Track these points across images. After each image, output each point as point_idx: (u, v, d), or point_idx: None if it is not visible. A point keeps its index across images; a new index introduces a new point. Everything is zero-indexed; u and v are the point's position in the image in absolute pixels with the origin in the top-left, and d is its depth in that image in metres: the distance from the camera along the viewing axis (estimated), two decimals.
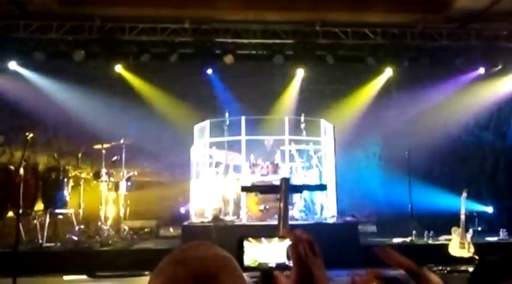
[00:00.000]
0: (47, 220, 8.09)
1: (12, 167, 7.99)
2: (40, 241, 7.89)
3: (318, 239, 3.25)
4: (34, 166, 8.55)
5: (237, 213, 8.53)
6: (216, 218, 8.29)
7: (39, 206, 8.17)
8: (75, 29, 9.88)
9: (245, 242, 2.99)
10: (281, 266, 3.13)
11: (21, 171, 7.52)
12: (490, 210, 9.61)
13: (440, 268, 6.99)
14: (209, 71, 10.44)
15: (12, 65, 9.95)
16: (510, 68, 10.75)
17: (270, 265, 3.09)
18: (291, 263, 3.06)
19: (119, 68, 10.29)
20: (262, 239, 3.05)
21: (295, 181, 8.44)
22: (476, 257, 7.10)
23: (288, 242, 3.09)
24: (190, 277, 1.19)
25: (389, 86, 10.74)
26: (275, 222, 7.32)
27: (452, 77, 10.61)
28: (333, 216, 8.57)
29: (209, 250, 1.29)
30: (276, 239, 3.12)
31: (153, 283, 1.23)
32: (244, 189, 7.85)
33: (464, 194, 7.61)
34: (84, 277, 7.10)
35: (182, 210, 9.26)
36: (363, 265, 7.29)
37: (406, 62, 10.46)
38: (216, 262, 1.24)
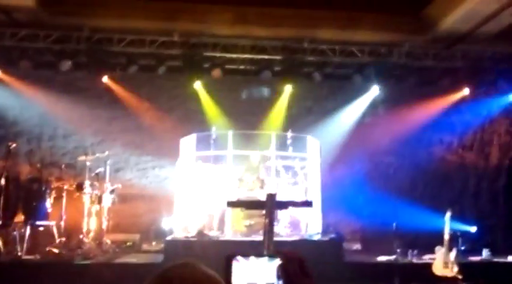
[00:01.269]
0: (28, 231, 7.94)
1: None
2: (19, 253, 7.73)
3: (304, 256, 3.22)
4: (16, 176, 8.41)
5: (221, 228, 8.47)
6: (200, 233, 8.21)
7: (20, 217, 8.02)
8: (62, 38, 9.80)
9: (233, 261, 2.94)
10: None
11: (2, 181, 7.42)
12: (473, 229, 9.67)
13: None
14: (197, 85, 10.42)
15: None
16: (494, 89, 10.91)
17: None
18: (280, 283, 3.02)
19: (106, 79, 10.21)
20: (251, 257, 3.01)
21: (281, 197, 8.41)
22: (460, 277, 7.13)
23: (277, 261, 3.06)
24: None
25: (376, 104, 10.82)
26: (260, 238, 7.25)
27: (438, 97, 10.73)
28: (318, 233, 8.55)
29: (196, 269, 1.28)
30: (266, 258, 3.08)
31: None
32: (230, 204, 7.80)
33: (448, 213, 7.66)
34: None
35: (165, 224, 9.15)
36: (347, 282, 7.33)
37: (392, 80, 10.56)
38: (205, 279, 1.25)
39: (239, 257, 3.02)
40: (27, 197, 8.24)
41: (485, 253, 8.71)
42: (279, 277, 3.05)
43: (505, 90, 10.87)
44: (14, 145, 8.72)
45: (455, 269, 7.25)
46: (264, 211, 6.82)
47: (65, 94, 9.98)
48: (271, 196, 6.86)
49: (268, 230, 6.41)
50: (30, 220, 8.04)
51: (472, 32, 9.70)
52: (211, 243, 7.86)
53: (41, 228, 8.29)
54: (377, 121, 10.84)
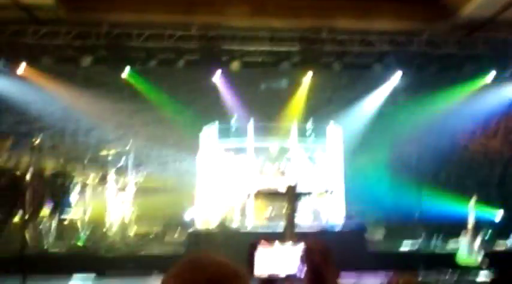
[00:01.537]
0: (53, 225, 8.09)
1: (18, 172, 7.98)
2: (45, 246, 7.88)
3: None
4: (40, 171, 8.54)
5: (242, 219, 8.50)
6: (221, 224, 8.26)
7: (45, 211, 8.16)
8: (82, 34, 9.90)
9: (258, 248, 2.95)
10: (292, 277, 3.09)
11: (28, 176, 7.55)
12: (498, 217, 9.53)
13: (447, 276, 6.94)
14: (216, 77, 10.44)
15: (21, 70, 9.97)
16: None
17: (281, 275, 3.05)
18: (303, 273, 3.02)
19: (126, 74, 10.29)
20: (276, 243, 3.02)
21: (302, 187, 8.40)
22: (484, 265, 7.04)
23: (301, 246, 3.05)
24: (206, 281, 1.22)
25: (397, 93, 10.70)
26: (281, 229, 7.29)
27: (459, 85, 10.57)
28: (340, 223, 8.53)
29: (221, 258, 1.31)
30: (290, 243, 3.09)
31: None
32: (251, 195, 7.83)
33: (473, 201, 7.57)
34: (93, 275, 7.09)
35: (187, 216, 9.22)
36: (370, 271, 7.30)
37: (413, 69, 10.43)
38: (230, 269, 1.28)
39: (263, 242, 3.02)
40: (52, 191, 8.36)
41: (511, 241, 8.59)
42: (303, 262, 3.05)
43: None
44: (38, 140, 8.86)
45: (480, 258, 7.17)
46: (285, 202, 6.85)
47: (86, 89, 10.09)
48: (292, 187, 6.89)
49: (290, 220, 6.44)
50: (55, 214, 8.18)
51: (493, 18, 9.49)
52: (233, 234, 7.90)
53: (66, 222, 8.42)
54: (398, 109, 10.73)
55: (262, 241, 3.22)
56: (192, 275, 1.24)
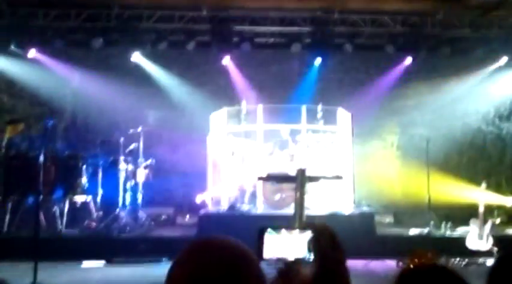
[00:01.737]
0: (66, 207, 8.20)
1: (31, 155, 8.08)
2: (59, 228, 8.01)
3: (334, 230, 3.23)
4: (53, 154, 8.64)
5: (253, 202, 8.56)
6: (232, 207, 8.33)
7: (59, 193, 8.27)
8: (93, 16, 9.90)
9: (266, 234, 2.98)
10: (301, 261, 3.12)
11: (41, 158, 7.63)
12: (509, 201, 9.49)
13: (457, 260, 6.95)
14: (226, 59, 10.40)
15: (32, 53, 10.01)
16: None
17: (289, 258, 3.08)
18: (311, 257, 3.05)
19: (136, 56, 10.28)
20: (283, 230, 3.04)
21: (312, 171, 8.41)
22: (496, 249, 7.03)
23: (309, 233, 3.07)
24: (216, 264, 1.23)
25: (408, 75, 10.60)
26: (291, 211, 7.30)
27: (473, 67, 10.42)
28: (350, 207, 8.55)
29: (230, 241, 1.32)
30: (297, 230, 3.10)
31: (178, 270, 1.26)
32: (261, 178, 7.86)
33: (483, 185, 7.54)
34: (102, 262, 7.22)
35: (198, 199, 9.30)
36: (379, 255, 7.34)
37: (426, 50, 10.29)
38: (240, 251, 1.29)
39: (271, 230, 3.05)
40: (65, 173, 8.45)
41: None
42: (310, 250, 3.08)
43: None
44: (50, 122, 8.93)
45: (490, 242, 7.16)
46: (295, 185, 6.87)
47: (98, 72, 10.11)
48: (301, 171, 6.89)
49: (299, 204, 6.46)
50: (68, 196, 8.29)
51: None
52: (243, 217, 7.96)
53: (79, 204, 8.54)
54: (410, 93, 10.64)
55: (270, 227, 3.23)
56: (202, 258, 1.25)
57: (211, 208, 8.77)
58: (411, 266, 1.94)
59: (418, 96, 10.60)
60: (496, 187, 9.23)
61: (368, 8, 10.02)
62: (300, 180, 6.63)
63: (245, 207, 8.46)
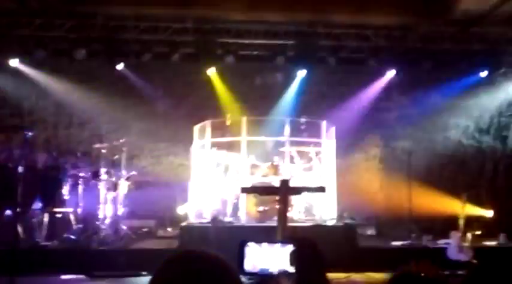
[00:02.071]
0: (46, 218, 8.07)
1: (11, 165, 7.96)
2: (38, 240, 7.87)
3: (317, 242, 3.23)
4: (33, 164, 8.52)
5: (235, 214, 8.52)
6: (214, 219, 8.27)
7: (38, 204, 8.14)
8: (77, 27, 9.84)
9: (246, 247, 2.97)
10: (282, 273, 3.10)
11: (20, 169, 7.53)
12: (489, 213, 9.59)
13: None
14: (210, 71, 10.41)
15: (14, 62, 9.91)
16: (510, 71, 10.73)
17: (270, 271, 3.06)
18: (292, 270, 3.04)
19: (120, 67, 10.24)
20: (264, 244, 3.03)
21: (295, 182, 8.41)
22: (475, 261, 7.08)
23: (290, 247, 3.07)
24: (195, 276, 1.24)
25: (391, 88, 10.71)
26: (274, 224, 7.28)
27: (454, 80, 10.57)
28: (332, 219, 8.55)
29: (210, 253, 1.33)
30: (279, 244, 3.10)
31: (158, 280, 1.27)
32: (244, 190, 7.83)
33: (464, 197, 7.61)
34: (82, 276, 7.10)
35: (180, 210, 9.23)
36: (361, 267, 7.33)
37: (408, 64, 10.43)
38: (218, 264, 1.30)
39: (252, 243, 3.04)
40: (45, 185, 8.34)
41: (502, 238, 8.64)
42: (292, 263, 3.07)
43: None
44: (30, 133, 8.83)
45: (470, 254, 7.21)
46: (278, 197, 6.85)
47: (80, 83, 10.05)
48: (284, 182, 6.88)
49: (282, 216, 6.44)
50: (47, 207, 8.16)
51: (489, 14, 9.49)
52: (226, 229, 7.91)
53: (59, 215, 8.39)
54: (392, 106, 10.75)
55: (251, 240, 3.24)
56: (182, 270, 1.25)
57: (193, 220, 8.69)
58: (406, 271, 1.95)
59: (400, 109, 10.72)
60: (476, 199, 9.31)
61: (351, 22, 10.13)
62: (283, 192, 6.62)
63: (228, 219, 8.41)
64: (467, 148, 10.99)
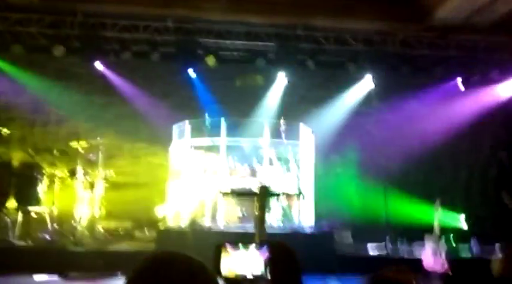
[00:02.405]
0: (20, 217, 7.95)
1: None
2: (11, 239, 7.74)
3: (295, 248, 3.26)
4: (8, 162, 8.39)
5: (214, 216, 8.50)
6: (192, 222, 8.25)
7: (12, 203, 8.01)
8: (55, 23, 9.71)
9: (222, 251, 2.99)
10: (258, 278, 3.13)
11: None
12: (462, 219, 9.76)
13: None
14: (191, 71, 10.37)
15: None
16: (487, 79, 10.93)
17: (247, 276, 3.08)
18: (268, 275, 3.06)
19: (99, 65, 10.12)
20: (240, 245, 3.05)
21: (273, 186, 8.43)
22: (450, 273, 7.17)
23: (265, 248, 3.09)
24: (172, 278, 1.22)
25: (369, 93, 10.82)
26: (252, 230, 7.30)
27: (431, 86, 10.73)
28: (311, 226, 8.60)
29: (187, 256, 1.31)
30: (253, 245, 3.13)
31: (133, 281, 1.25)
32: (222, 193, 7.84)
33: (438, 203, 7.71)
34: (55, 277, 7.01)
35: (158, 212, 9.16)
36: (338, 273, 7.38)
37: (386, 69, 10.55)
38: (195, 266, 1.28)
39: (228, 247, 3.06)
40: (19, 183, 8.20)
41: (473, 242, 8.80)
42: (266, 268, 3.10)
43: (498, 80, 10.89)
44: (5, 130, 8.70)
45: (446, 265, 7.29)
46: (256, 202, 6.87)
47: (58, 80, 9.90)
48: (263, 187, 6.91)
49: (260, 221, 6.46)
50: (22, 206, 8.03)
51: (466, 22, 9.68)
52: (204, 232, 7.90)
53: (33, 214, 8.27)
54: (370, 110, 10.85)
55: (227, 244, 3.26)
56: (158, 272, 1.24)
57: (171, 222, 8.64)
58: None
59: (378, 114, 10.82)
60: (451, 204, 9.46)
61: (331, 26, 10.22)
62: (261, 196, 6.65)
63: (206, 222, 8.38)
64: (443, 153, 11.14)
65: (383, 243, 8.43)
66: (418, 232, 8.11)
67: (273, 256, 3.09)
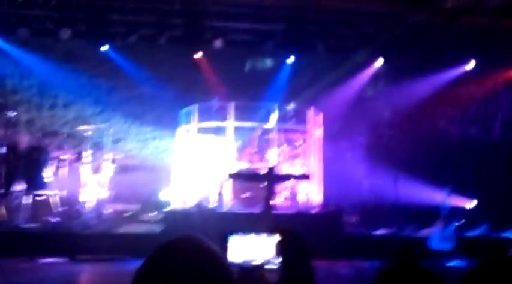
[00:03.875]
0: (28, 200, 7.96)
1: None
2: (19, 222, 7.77)
3: (302, 229, 3.21)
4: (16, 145, 8.38)
5: (220, 200, 8.47)
6: (199, 204, 8.23)
7: (20, 186, 8.02)
8: (61, 5, 9.61)
9: (230, 238, 2.93)
10: (267, 264, 3.08)
11: (3, 149, 7.41)
12: (473, 203, 9.67)
13: (421, 260, 7.03)
14: (198, 55, 10.27)
15: None
16: (498, 62, 10.76)
17: (255, 262, 3.04)
18: (278, 260, 3.01)
19: (106, 48, 10.04)
20: (251, 234, 3.00)
21: (281, 169, 8.39)
22: (457, 251, 7.15)
23: (276, 238, 3.03)
24: (186, 267, 1.19)
25: (378, 77, 10.69)
26: (258, 210, 7.27)
27: (441, 70, 10.58)
28: (318, 206, 8.56)
29: (201, 245, 1.27)
30: (265, 235, 3.07)
31: (147, 272, 1.22)
32: (230, 176, 7.80)
33: (448, 188, 7.65)
34: (64, 259, 7.03)
35: (163, 195, 9.15)
36: (346, 256, 7.37)
37: (396, 53, 10.41)
38: (209, 255, 1.24)
39: (239, 234, 3.00)
40: (28, 166, 8.21)
41: (485, 227, 8.73)
42: (278, 254, 3.04)
43: (509, 63, 10.72)
44: (13, 113, 8.69)
45: (453, 243, 7.27)
46: (263, 184, 6.84)
47: (65, 63, 9.86)
48: (270, 170, 6.86)
49: (267, 203, 6.43)
50: (30, 189, 8.05)
51: (478, 4, 9.49)
52: (210, 215, 7.87)
53: (41, 197, 8.29)
54: (379, 94, 10.74)
55: (236, 233, 3.21)
56: (171, 261, 1.21)
57: (178, 205, 8.63)
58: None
59: (387, 97, 10.70)
60: (461, 189, 9.37)
61: (341, 9, 10.04)
62: (268, 178, 6.61)
63: (212, 205, 8.36)
64: (453, 137, 11.03)
65: (393, 228, 8.38)
66: (428, 216, 8.05)
67: (284, 240, 3.05)
